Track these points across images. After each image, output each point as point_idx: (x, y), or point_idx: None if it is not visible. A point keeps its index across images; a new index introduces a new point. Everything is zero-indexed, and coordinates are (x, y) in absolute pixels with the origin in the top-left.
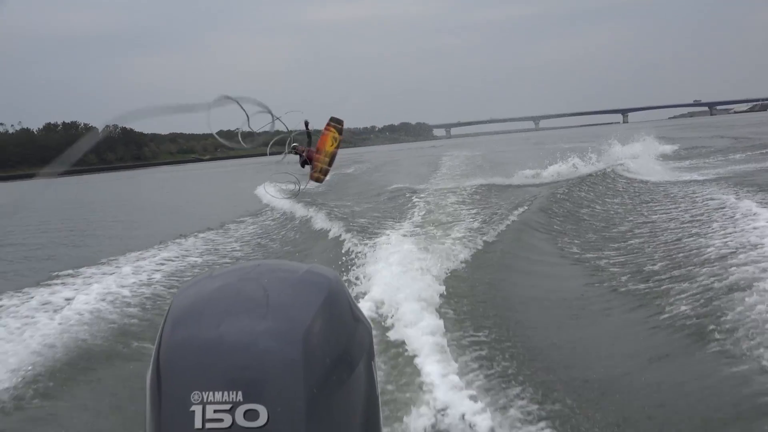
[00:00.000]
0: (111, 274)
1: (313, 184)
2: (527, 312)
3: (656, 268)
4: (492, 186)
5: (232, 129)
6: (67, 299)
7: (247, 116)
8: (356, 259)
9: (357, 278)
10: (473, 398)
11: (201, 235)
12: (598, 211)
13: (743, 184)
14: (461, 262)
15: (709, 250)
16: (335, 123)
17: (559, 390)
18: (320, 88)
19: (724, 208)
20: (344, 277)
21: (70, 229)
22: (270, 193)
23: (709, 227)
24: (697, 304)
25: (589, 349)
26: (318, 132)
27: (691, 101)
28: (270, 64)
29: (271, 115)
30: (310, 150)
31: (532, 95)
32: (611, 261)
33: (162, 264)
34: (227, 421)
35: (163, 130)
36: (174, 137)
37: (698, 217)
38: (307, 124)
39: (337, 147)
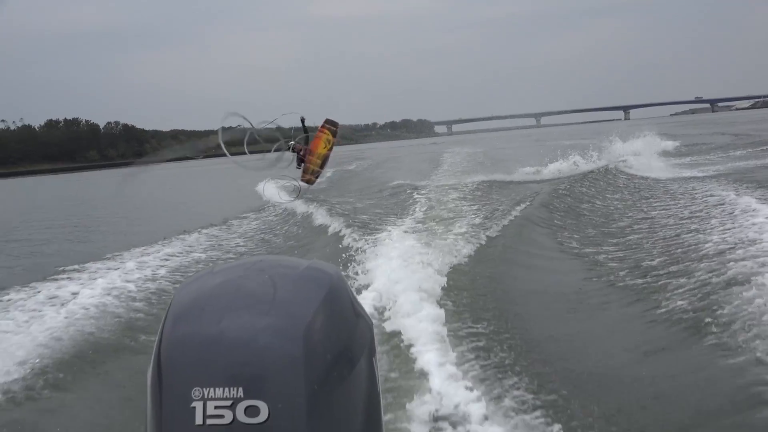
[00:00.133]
0: (116, 269)
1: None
2: (526, 305)
3: (654, 263)
4: (493, 182)
5: (234, 126)
6: (74, 293)
7: (251, 125)
8: (358, 255)
9: (358, 273)
10: (469, 388)
11: (204, 230)
12: (598, 207)
13: (743, 180)
14: (462, 257)
15: (707, 245)
16: (330, 125)
17: (554, 381)
18: (321, 86)
19: (723, 204)
20: (345, 273)
21: (74, 224)
22: (271, 192)
23: (708, 223)
24: (694, 299)
25: (585, 341)
26: (314, 129)
27: (693, 98)
28: (271, 61)
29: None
30: (307, 149)
31: (534, 92)
32: (610, 256)
33: (166, 260)
34: (228, 417)
35: (165, 126)
36: (175, 134)
37: (697, 214)
38: (303, 120)
39: (330, 149)
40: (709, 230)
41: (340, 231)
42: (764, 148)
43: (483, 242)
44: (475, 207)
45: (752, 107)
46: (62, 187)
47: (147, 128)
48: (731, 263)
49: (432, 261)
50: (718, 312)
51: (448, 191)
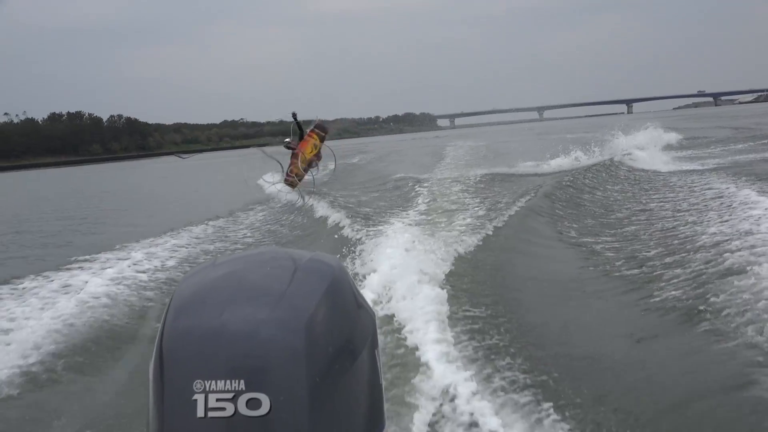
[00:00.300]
0: (126, 259)
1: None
2: (524, 291)
3: (651, 254)
4: (495, 175)
5: (237, 119)
6: (86, 282)
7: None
8: (361, 246)
9: (361, 264)
10: (462, 366)
11: (211, 222)
12: (599, 199)
13: (742, 173)
14: (464, 246)
15: (703, 237)
16: (319, 130)
17: (546, 363)
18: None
19: (722, 197)
20: (348, 263)
21: (84, 217)
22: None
23: (705, 215)
24: (688, 288)
25: (579, 327)
26: (310, 123)
27: (696, 92)
28: (272, 56)
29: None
30: (300, 148)
31: (537, 86)
32: (608, 246)
33: (175, 251)
34: (230, 409)
35: (168, 120)
36: (178, 127)
37: (696, 206)
38: (295, 116)
39: (316, 155)
40: (706, 222)
41: (344, 222)
42: (765, 141)
43: (485, 231)
44: (478, 199)
45: (755, 101)
46: (68, 181)
47: (150, 122)
48: (726, 254)
49: (434, 249)
50: (711, 301)
51: (451, 184)
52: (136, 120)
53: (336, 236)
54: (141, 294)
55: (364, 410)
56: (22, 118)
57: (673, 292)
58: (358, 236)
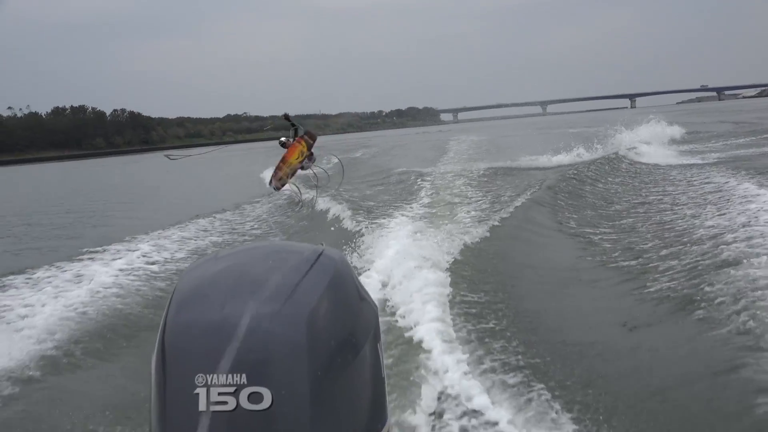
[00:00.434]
0: (135, 251)
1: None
2: (522, 279)
3: (647, 245)
4: (498, 169)
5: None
6: (99, 272)
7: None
8: (365, 238)
9: (364, 256)
10: (458, 349)
11: (218, 215)
12: (600, 191)
13: (741, 168)
14: (466, 235)
15: (700, 230)
16: (308, 137)
17: (539, 347)
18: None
19: (720, 190)
20: (352, 256)
21: (93, 210)
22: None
23: (704, 208)
24: (683, 279)
25: (573, 315)
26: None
27: (699, 86)
28: (276, 51)
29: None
30: (287, 154)
31: (540, 80)
32: (606, 237)
33: (183, 243)
34: (231, 403)
35: (171, 114)
36: (181, 121)
37: (694, 199)
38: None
39: (301, 162)
40: (704, 215)
41: (347, 215)
42: (766, 136)
43: (486, 222)
44: (480, 192)
45: (759, 95)
46: (73, 175)
47: (153, 116)
48: (722, 246)
49: (436, 238)
50: (705, 291)
51: (454, 177)
52: (139, 114)
53: (340, 229)
54: (152, 284)
55: (366, 404)
56: (26, 112)
57: (668, 283)
58: (361, 229)
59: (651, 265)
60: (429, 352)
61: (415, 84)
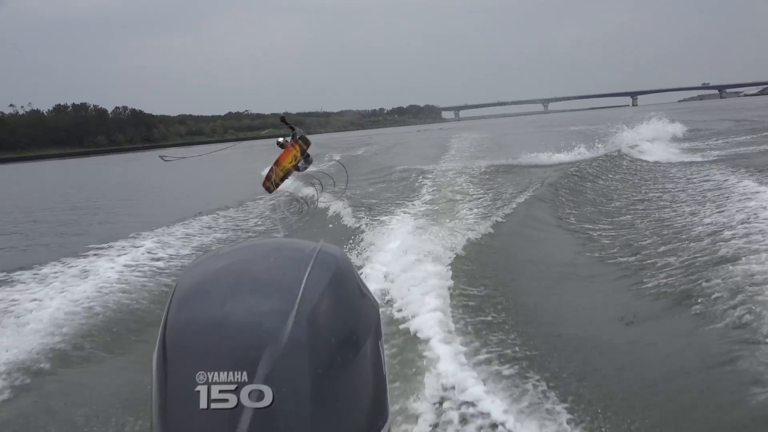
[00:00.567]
0: (140, 247)
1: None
2: (521, 273)
3: (646, 242)
4: (500, 167)
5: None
6: (105, 268)
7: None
8: (366, 235)
9: (365, 252)
10: (457, 341)
11: (221, 212)
12: (600, 188)
13: (741, 165)
14: (467, 230)
15: (699, 227)
16: (303, 142)
17: (536, 340)
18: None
19: (720, 188)
20: (352, 253)
21: (97, 207)
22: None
23: (703, 205)
24: (681, 276)
25: (571, 309)
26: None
27: (700, 84)
28: (278, 48)
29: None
30: (281, 157)
31: (542, 78)
32: (605, 234)
33: (188, 240)
34: (232, 401)
35: (173, 111)
36: (183, 119)
37: (694, 196)
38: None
39: (295, 166)
40: (702, 212)
41: (349, 212)
42: (766, 134)
43: (488, 218)
44: (482, 189)
45: (761, 93)
46: (76, 172)
47: (155, 113)
48: (720, 243)
49: (438, 233)
50: (702, 286)
51: (455, 175)
52: (140, 112)
53: (342, 226)
54: (158, 280)
55: (367, 402)
56: (28, 109)
57: (665, 279)
58: (363, 225)
59: (649, 261)
60: (427, 342)
61: (417, 82)
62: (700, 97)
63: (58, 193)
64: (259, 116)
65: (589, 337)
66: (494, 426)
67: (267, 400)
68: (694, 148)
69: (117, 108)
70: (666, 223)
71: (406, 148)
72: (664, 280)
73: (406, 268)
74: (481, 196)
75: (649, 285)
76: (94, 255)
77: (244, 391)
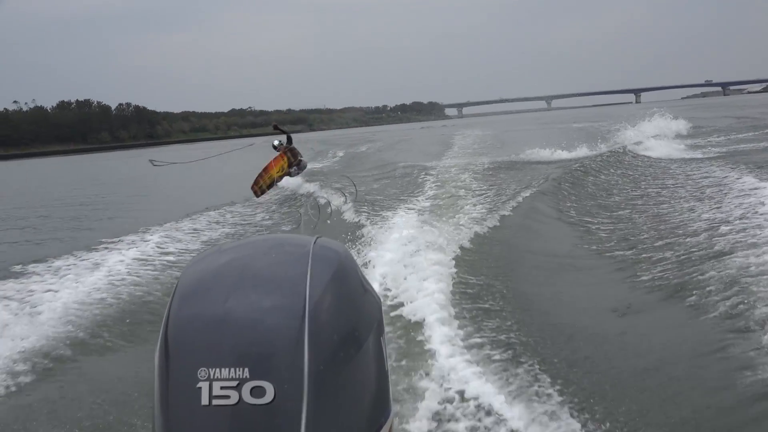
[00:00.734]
0: (149, 241)
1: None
2: (520, 264)
3: (643, 236)
4: (502, 164)
5: (244, 108)
6: (116, 261)
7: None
8: (370, 230)
9: (368, 247)
10: (453, 325)
11: (228, 208)
12: (602, 184)
13: (741, 162)
14: (471, 225)
15: (697, 222)
16: (291, 155)
17: (530, 327)
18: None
19: (720, 184)
20: (355, 247)
21: (106, 202)
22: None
23: (702, 201)
24: (676, 269)
25: (567, 299)
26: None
27: (704, 81)
28: (280, 45)
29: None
30: (270, 164)
31: (545, 75)
32: (603, 227)
33: (196, 234)
34: (234, 397)
35: (176, 108)
36: (186, 115)
37: (693, 192)
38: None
39: (281, 176)
40: (701, 207)
41: (353, 208)
42: (767, 131)
43: (491, 212)
44: (485, 185)
45: (764, 90)
46: (81, 169)
47: (158, 110)
48: (716, 238)
49: (441, 227)
50: (697, 279)
51: (458, 171)
52: (144, 108)
53: (345, 221)
54: (169, 273)
55: (369, 398)
56: (31, 106)
57: (660, 272)
58: (367, 220)
59: (645, 254)
60: (425, 327)
61: (420, 79)
62: (703, 95)
63: (66, 189)
64: (262, 113)
65: (583, 327)
66: (489, 413)
67: (268, 397)
68: (695, 144)
69: (120, 105)
70: (664, 218)
71: (409, 145)
72: (659, 273)
73: (408, 260)
74: (484, 191)
75: (644, 278)
76: (105, 249)
77: (246, 388)
